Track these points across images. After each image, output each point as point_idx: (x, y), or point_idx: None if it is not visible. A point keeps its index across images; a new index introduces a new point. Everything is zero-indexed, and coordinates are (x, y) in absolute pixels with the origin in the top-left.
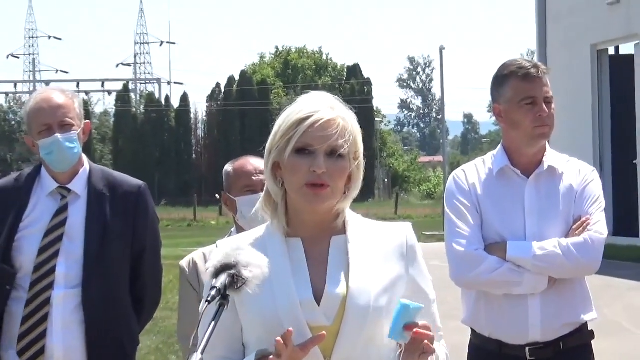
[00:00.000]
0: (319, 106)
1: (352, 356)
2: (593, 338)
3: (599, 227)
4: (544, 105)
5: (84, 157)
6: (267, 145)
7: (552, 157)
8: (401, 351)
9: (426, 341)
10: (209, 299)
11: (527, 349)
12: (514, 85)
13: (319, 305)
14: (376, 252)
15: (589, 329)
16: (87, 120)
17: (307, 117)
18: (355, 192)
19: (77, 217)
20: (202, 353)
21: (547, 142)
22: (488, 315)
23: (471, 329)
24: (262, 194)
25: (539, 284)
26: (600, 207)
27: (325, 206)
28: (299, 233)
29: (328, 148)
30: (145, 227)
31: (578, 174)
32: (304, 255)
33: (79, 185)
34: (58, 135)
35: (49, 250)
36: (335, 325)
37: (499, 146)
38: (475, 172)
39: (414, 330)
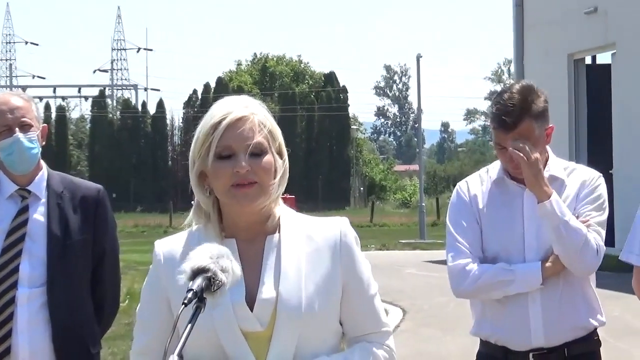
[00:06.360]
0: (232, 107)
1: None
2: (600, 346)
3: (598, 227)
4: (511, 147)
5: (42, 162)
6: (190, 156)
7: (555, 166)
8: None
9: None
10: (185, 301)
11: (531, 354)
12: (492, 125)
13: (252, 310)
14: (309, 250)
15: (596, 337)
16: (45, 124)
17: (221, 120)
18: (282, 187)
19: (38, 218)
20: (178, 355)
21: (549, 151)
22: (493, 321)
23: (479, 339)
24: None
25: (533, 280)
26: (601, 210)
27: (256, 205)
28: (233, 234)
29: (247, 146)
30: (105, 231)
31: (582, 180)
32: (238, 258)
33: (38, 188)
34: (19, 135)
35: (12, 250)
36: (268, 331)
37: None
38: (478, 182)
39: None
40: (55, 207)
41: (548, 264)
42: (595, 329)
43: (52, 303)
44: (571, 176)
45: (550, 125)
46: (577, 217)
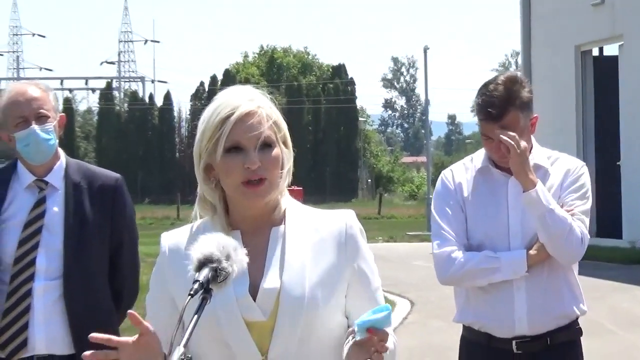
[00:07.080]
0: (239, 100)
1: (290, 351)
2: (581, 335)
3: (582, 216)
4: (501, 135)
5: (60, 151)
6: (195, 149)
7: (538, 155)
8: (350, 342)
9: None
10: (192, 292)
11: (514, 342)
12: (478, 117)
13: (255, 299)
14: (313, 242)
15: (578, 326)
16: (62, 114)
17: (230, 115)
18: (287, 178)
19: (56, 210)
20: (184, 346)
21: (533, 140)
22: (477, 309)
23: (463, 325)
24: None
25: (518, 267)
26: (584, 199)
27: (267, 200)
28: (238, 226)
29: (257, 141)
30: (123, 220)
31: (566, 169)
32: (244, 249)
33: (56, 178)
34: (34, 127)
35: (29, 242)
36: (271, 321)
37: None
38: (463, 170)
39: (373, 334)
40: (72, 198)
41: (533, 252)
42: (577, 317)
43: (69, 295)
44: (555, 165)
45: (535, 115)
46: (562, 206)
